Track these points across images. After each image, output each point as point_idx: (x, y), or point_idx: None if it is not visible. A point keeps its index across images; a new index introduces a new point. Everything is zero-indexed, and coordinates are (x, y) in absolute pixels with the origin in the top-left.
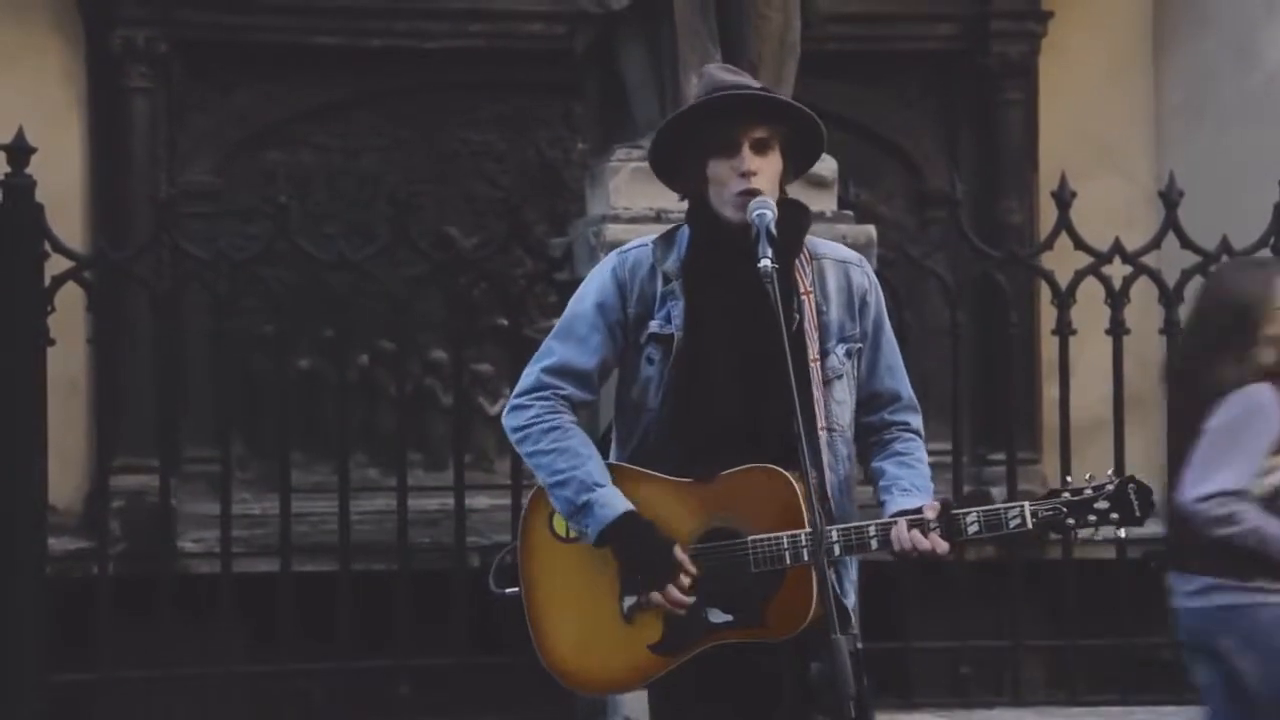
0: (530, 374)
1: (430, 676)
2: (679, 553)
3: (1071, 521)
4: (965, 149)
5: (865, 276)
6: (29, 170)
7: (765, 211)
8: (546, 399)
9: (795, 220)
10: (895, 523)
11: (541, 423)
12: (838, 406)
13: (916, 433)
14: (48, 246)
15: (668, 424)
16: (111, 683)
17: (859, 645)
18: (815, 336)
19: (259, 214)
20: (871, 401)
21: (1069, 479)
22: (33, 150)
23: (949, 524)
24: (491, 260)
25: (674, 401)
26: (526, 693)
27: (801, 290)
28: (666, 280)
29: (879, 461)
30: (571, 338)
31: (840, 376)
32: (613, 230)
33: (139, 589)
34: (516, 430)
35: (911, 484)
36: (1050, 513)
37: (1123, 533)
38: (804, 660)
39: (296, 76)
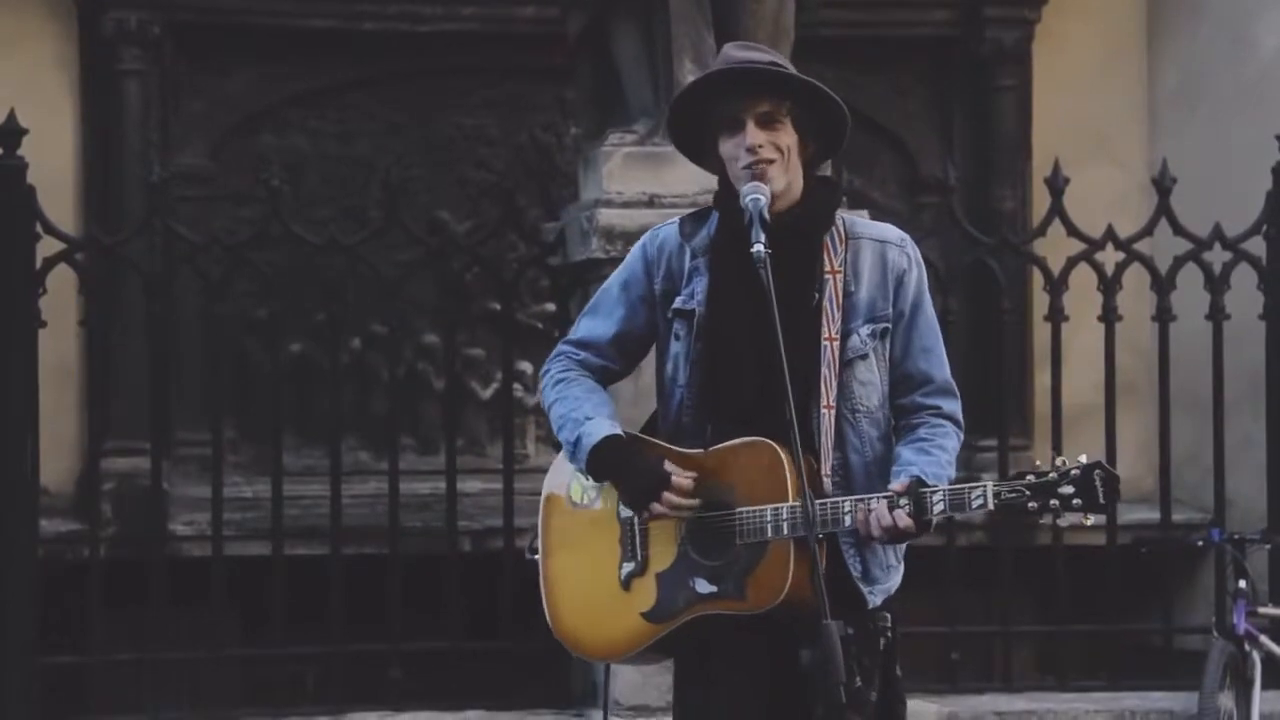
0: (555, 349)
1: (421, 660)
2: (669, 465)
3: (1034, 505)
4: (959, 135)
5: (904, 256)
6: (21, 152)
7: (758, 197)
8: (560, 360)
9: (823, 199)
10: (866, 499)
11: (552, 379)
12: (861, 388)
13: (948, 417)
14: (39, 228)
15: (695, 399)
16: (103, 665)
17: (889, 632)
18: (836, 316)
19: (252, 198)
20: (904, 383)
21: (1037, 462)
22: (24, 132)
23: (917, 501)
24: (484, 245)
25: (699, 377)
26: (518, 677)
27: (828, 269)
28: (694, 256)
29: (900, 446)
30: (597, 313)
31: (864, 356)
32: (606, 215)
33: (130, 572)
34: (542, 395)
35: (923, 471)
36: (1013, 495)
37: (1090, 520)
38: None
39: (289, 60)
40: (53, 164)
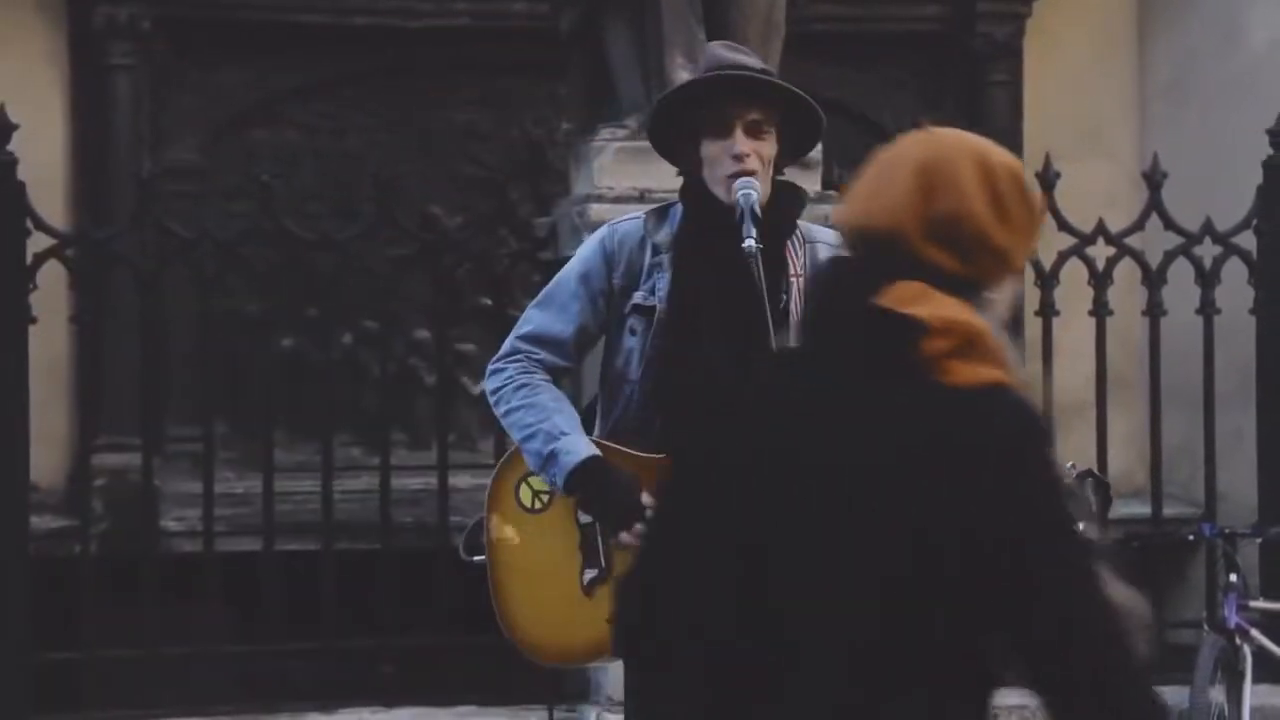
0: (507, 341)
1: (413, 655)
2: (647, 498)
3: None
4: None
5: None
6: (11, 148)
7: (750, 192)
8: (519, 361)
9: (789, 202)
10: None
11: (513, 382)
12: None
13: None
14: (30, 224)
15: (648, 396)
16: (94, 662)
17: None
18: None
19: (243, 193)
20: None
21: None
22: (15, 127)
23: None
24: (476, 240)
25: (654, 373)
26: (510, 673)
27: (792, 272)
28: (656, 252)
29: None
30: (551, 306)
31: None
32: (597, 210)
33: (121, 568)
34: (492, 394)
35: None
36: None
37: (1081, 526)
38: None
39: (281, 55)
40: (43, 159)
